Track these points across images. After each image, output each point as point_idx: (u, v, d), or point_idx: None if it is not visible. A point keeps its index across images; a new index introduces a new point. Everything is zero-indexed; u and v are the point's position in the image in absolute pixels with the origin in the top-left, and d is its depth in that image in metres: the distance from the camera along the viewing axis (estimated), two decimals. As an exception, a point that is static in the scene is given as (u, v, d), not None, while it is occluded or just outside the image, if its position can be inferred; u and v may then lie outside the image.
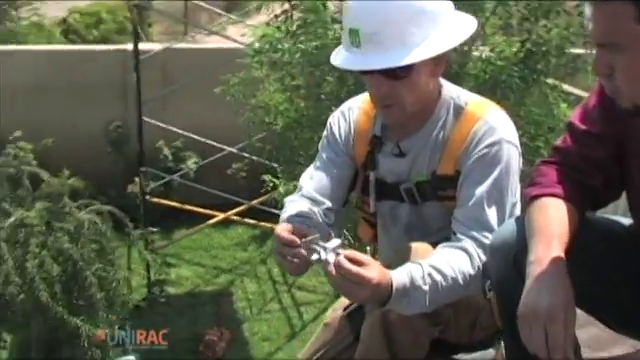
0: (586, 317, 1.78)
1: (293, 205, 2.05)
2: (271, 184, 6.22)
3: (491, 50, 4.17)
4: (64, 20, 9.78)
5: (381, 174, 2.09)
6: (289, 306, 6.39)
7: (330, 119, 2.19)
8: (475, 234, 1.90)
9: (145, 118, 7.06)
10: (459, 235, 1.91)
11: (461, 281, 1.84)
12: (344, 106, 2.18)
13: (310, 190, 2.09)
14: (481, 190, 1.92)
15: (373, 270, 1.73)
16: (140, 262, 6.28)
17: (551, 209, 1.64)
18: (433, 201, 2.04)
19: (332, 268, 1.69)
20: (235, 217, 7.40)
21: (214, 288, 6.79)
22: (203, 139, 7.25)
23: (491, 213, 1.93)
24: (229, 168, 7.43)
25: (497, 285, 1.77)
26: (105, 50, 8.00)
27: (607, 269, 1.65)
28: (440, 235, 1.97)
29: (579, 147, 1.70)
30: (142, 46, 7.50)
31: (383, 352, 1.98)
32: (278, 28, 4.41)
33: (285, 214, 2.02)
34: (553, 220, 1.61)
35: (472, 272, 1.85)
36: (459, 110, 2.00)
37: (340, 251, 1.72)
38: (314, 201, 2.07)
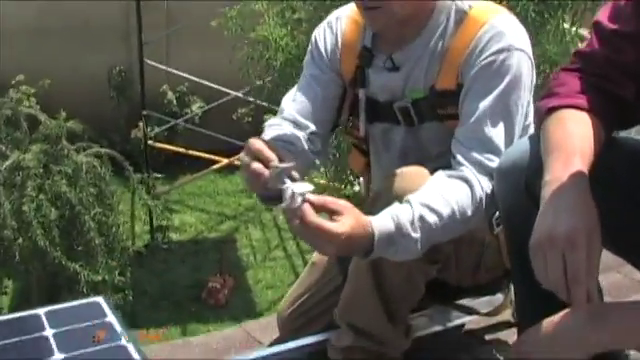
0: (606, 260, 1.61)
1: (273, 129, 1.84)
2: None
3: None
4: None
5: (372, 92, 1.88)
6: (294, 253, 6.26)
7: (315, 31, 1.98)
8: (477, 156, 1.67)
9: (148, 61, 6.89)
10: (458, 158, 1.69)
11: (460, 218, 1.61)
12: (331, 16, 1.96)
13: (292, 112, 1.88)
14: (485, 104, 1.70)
15: (345, 222, 1.48)
16: (142, 208, 6.15)
17: (571, 122, 1.39)
18: (432, 121, 1.82)
19: (294, 216, 1.44)
20: (239, 162, 7.24)
21: (218, 235, 6.66)
22: (208, 83, 7.07)
23: (497, 131, 1.69)
24: (235, 113, 7.27)
25: (506, 215, 1.58)
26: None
27: (636, 196, 1.40)
28: (440, 162, 1.75)
29: (607, 50, 1.44)
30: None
31: (372, 293, 1.78)
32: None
33: (267, 134, 1.82)
34: (574, 134, 1.36)
35: (473, 206, 1.62)
36: (461, 15, 1.77)
37: (308, 197, 1.45)
38: (297, 124, 1.87)
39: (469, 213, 1.63)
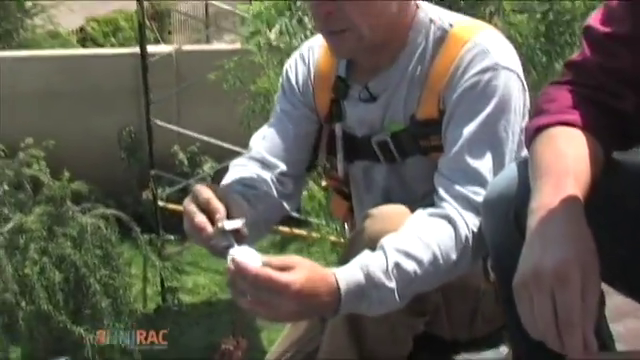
0: (621, 306, 1.42)
1: (237, 170, 1.64)
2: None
3: (509, 25, 3.82)
4: (81, 29, 9.64)
5: (349, 126, 1.69)
6: (308, 314, 6.06)
7: (286, 63, 1.83)
8: (461, 190, 1.48)
9: (158, 121, 6.84)
10: (440, 193, 1.49)
11: (443, 263, 1.41)
12: (303, 46, 1.78)
13: (261, 151, 1.68)
14: (469, 131, 1.50)
15: (297, 272, 1.27)
16: (153, 270, 6.03)
17: (563, 141, 1.19)
18: (415, 155, 1.61)
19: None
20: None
21: (231, 296, 6.49)
22: (219, 142, 6.99)
23: (483, 161, 1.50)
24: (246, 172, 7.14)
25: (495, 254, 1.38)
26: (117, 54, 7.85)
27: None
28: (427, 202, 1.52)
29: (600, 56, 1.25)
30: (154, 49, 7.33)
31: (350, 351, 1.54)
32: (275, 5, 4.11)
33: (225, 180, 1.61)
34: (566, 155, 1.17)
35: (457, 248, 1.43)
36: (442, 34, 1.58)
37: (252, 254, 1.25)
38: (265, 164, 1.66)
39: (454, 257, 1.43)
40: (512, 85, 1.53)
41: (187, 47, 7.39)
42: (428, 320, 1.61)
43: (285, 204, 1.70)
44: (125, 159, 7.55)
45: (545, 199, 1.12)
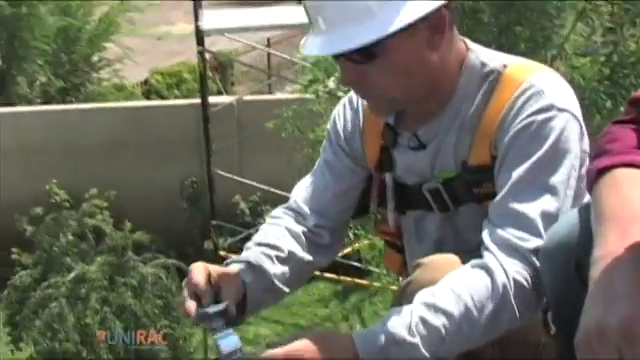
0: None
1: (269, 228, 1.68)
2: (352, 236, 5.85)
3: (572, 69, 3.73)
4: (146, 81, 9.82)
5: (399, 175, 1.66)
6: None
7: (335, 110, 1.79)
8: (504, 235, 1.39)
9: (219, 171, 6.87)
10: (484, 239, 1.42)
11: (477, 315, 1.34)
12: (353, 93, 1.71)
13: (299, 201, 1.71)
14: (519, 173, 1.43)
15: (303, 341, 1.35)
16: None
17: (628, 184, 1.13)
18: (468, 203, 1.57)
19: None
20: (316, 272, 7.05)
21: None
22: (280, 192, 6.98)
23: (533, 205, 1.41)
24: (308, 222, 7.11)
25: (555, 305, 1.31)
26: (180, 105, 7.95)
27: None
28: (480, 253, 1.46)
29: None
30: (216, 99, 7.41)
31: None
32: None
33: (255, 237, 1.66)
34: (632, 199, 1.10)
35: (494, 298, 1.35)
36: (495, 76, 1.52)
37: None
38: (300, 216, 1.69)
39: (490, 307, 1.35)
40: (569, 128, 1.46)
41: (248, 97, 7.44)
42: None
43: (318, 257, 1.67)
44: (187, 209, 7.58)
45: (610, 246, 1.05)
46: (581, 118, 1.51)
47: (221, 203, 7.07)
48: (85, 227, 5.16)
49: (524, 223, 1.41)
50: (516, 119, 1.46)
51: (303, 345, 1.36)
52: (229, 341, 1.42)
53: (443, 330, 1.34)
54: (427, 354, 1.33)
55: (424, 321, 1.34)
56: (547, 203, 1.43)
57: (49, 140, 7.53)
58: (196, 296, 1.49)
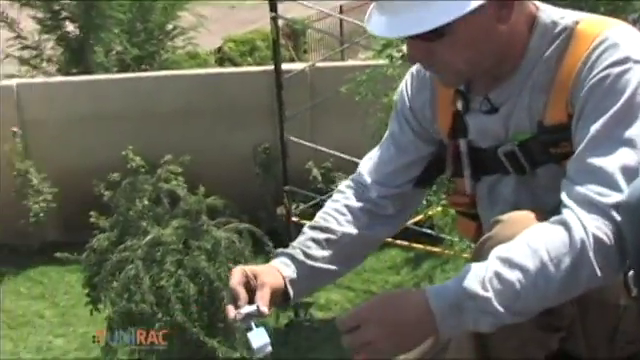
0: None
1: (328, 208, 1.79)
2: (425, 202, 5.81)
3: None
4: (219, 49, 9.88)
5: (473, 139, 1.65)
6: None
7: (403, 80, 1.78)
8: (582, 191, 1.36)
9: (292, 138, 6.89)
10: (562, 197, 1.39)
11: (554, 270, 1.30)
12: None
13: (364, 174, 1.78)
14: (596, 128, 1.39)
15: (372, 300, 1.40)
16: (284, 285, 6.03)
17: None
18: (546, 164, 1.54)
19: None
20: (388, 239, 7.05)
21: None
22: (353, 158, 6.97)
23: (611, 159, 1.36)
24: (380, 188, 7.09)
25: (637, 266, 1.30)
26: (253, 72, 7.98)
27: None
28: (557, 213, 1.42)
29: None
30: (289, 66, 7.42)
31: None
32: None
33: (315, 219, 1.77)
34: None
35: (572, 253, 1.31)
36: (567, 33, 1.48)
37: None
38: (364, 188, 1.76)
39: (567, 263, 1.32)
40: None
41: (321, 64, 7.42)
42: (563, 337, 1.51)
43: (382, 228, 1.71)
44: (260, 175, 7.64)
45: None
46: None
47: (294, 169, 7.10)
48: (160, 192, 5.24)
49: (603, 178, 1.37)
50: (591, 73, 1.43)
51: (373, 305, 1.38)
52: (259, 338, 1.56)
53: (518, 285, 1.31)
54: (501, 309, 1.31)
55: (498, 275, 1.32)
56: (626, 157, 1.38)
57: (125, 107, 7.66)
58: (234, 299, 1.61)
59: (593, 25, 1.49)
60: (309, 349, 5.88)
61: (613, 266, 1.36)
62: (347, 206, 1.75)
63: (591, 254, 1.32)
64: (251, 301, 1.60)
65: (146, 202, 5.23)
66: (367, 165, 1.79)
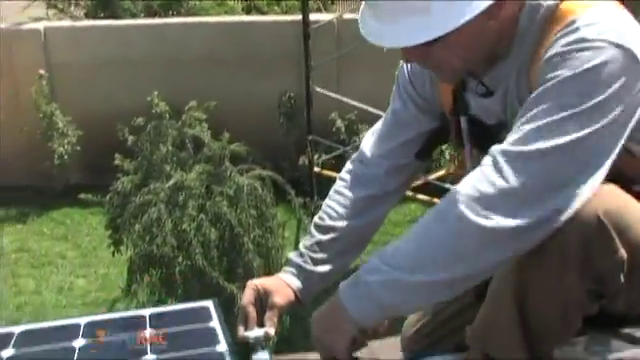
0: None
1: (329, 203, 1.84)
2: (447, 158, 5.82)
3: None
4: (247, -4, 9.80)
5: (476, 114, 1.65)
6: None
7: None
8: (499, 147, 1.41)
9: (317, 88, 6.87)
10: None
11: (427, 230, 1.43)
12: None
13: (366, 151, 1.82)
14: (533, 97, 1.41)
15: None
16: (305, 234, 6.06)
17: None
18: None
19: None
20: (408, 192, 7.05)
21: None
22: (377, 111, 6.94)
23: (533, 127, 1.38)
24: (403, 141, 7.07)
25: None
26: (280, 21, 7.93)
27: None
28: None
29: None
30: (316, 16, 7.37)
31: (513, 323, 1.50)
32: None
33: (322, 209, 1.86)
34: None
35: (442, 207, 1.42)
36: (548, 14, 1.46)
37: None
38: (367, 166, 1.82)
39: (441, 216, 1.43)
40: (612, 59, 1.36)
41: (348, 15, 7.35)
42: (604, 302, 1.51)
43: (385, 203, 1.77)
44: (284, 124, 7.64)
45: None
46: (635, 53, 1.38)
47: (317, 120, 7.09)
48: (185, 137, 5.25)
49: (520, 137, 1.43)
50: (547, 54, 1.41)
51: (313, 324, 1.57)
52: None
53: (403, 246, 1.46)
54: (386, 267, 1.43)
55: (396, 248, 1.45)
56: (552, 130, 1.39)
57: (151, 53, 7.66)
58: (245, 318, 1.70)
59: (573, 5, 1.45)
60: (326, 298, 5.91)
61: (500, 211, 1.37)
62: (350, 197, 1.81)
63: (461, 206, 1.36)
64: (260, 318, 1.70)
65: (170, 147, 5.25)
66: (370, 142, 1.84)
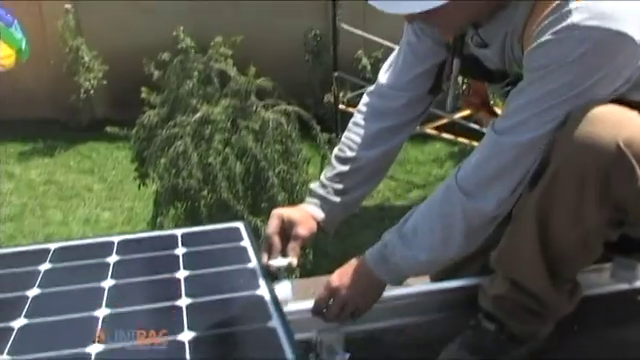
0: None
1: (353, 129, 1.87)
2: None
3: None
4: None
5: (480, 58, 1.67)
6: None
7: None
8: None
9: (344, 25, 6.83)
10: None
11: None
12: None
13: (383, 84, 1.85)
14: (524, 83, 1.47)
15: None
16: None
17: None
18: None
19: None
20: (432, 131, 7.05)
21: (404, 203, 6.49)
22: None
23: (523, 106, 1.46)
24: (429, 80, 7.04)
25: None
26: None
27: None
28: None
29: None
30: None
31: (535, 248, 1.53)
32: None
33: (342, 141, 1.87)
34: None
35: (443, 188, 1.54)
36: None
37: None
38: (383, 98, 1.84)
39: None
40: (604, 41, 1.37)
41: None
42: (624, 230, 1.53)
43: (402, 133, 1.85)
44: (309, 61, 7.62)
45: None
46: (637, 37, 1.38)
47: (343, 58, 7.06)
48: (211, 71, 5.25)
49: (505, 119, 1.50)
50: (538, 37, 1.42)
51: (335, 279, 1.60)
52: (283, 290, 1.64)
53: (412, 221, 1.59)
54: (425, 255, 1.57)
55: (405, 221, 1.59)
56: (543, 114, 1.45)
57: (178, -13, 7.63)
58: (269, 248, 1.71)
59: None
60: (348, 235, 5.97)
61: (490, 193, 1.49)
62: (369, 129, 1.84)
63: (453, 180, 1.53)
64: (284, 247, 1.72)
65: (196, 81, 5.26)
66: (388, 75, 1.86)
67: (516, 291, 1.59)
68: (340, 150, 1.85)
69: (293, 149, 5.13)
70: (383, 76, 1.87)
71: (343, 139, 1.87)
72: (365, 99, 1.90)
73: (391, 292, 1.68)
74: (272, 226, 1.72)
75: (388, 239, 1.58)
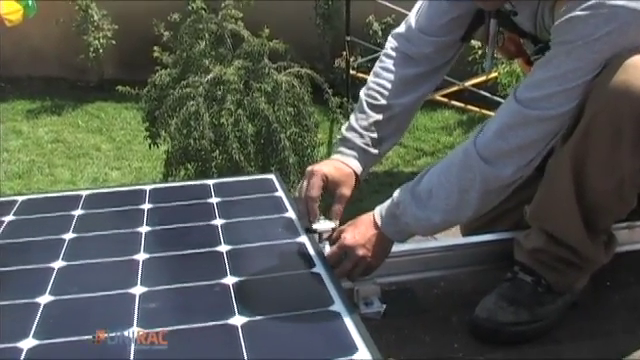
0: None
1: (382, 74, 1.81)
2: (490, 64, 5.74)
3: None
4: None
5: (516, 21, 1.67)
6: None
7: None
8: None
9: (356, -10, 6.79)
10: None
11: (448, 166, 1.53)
12: None
13: (413, 26, 1.79)
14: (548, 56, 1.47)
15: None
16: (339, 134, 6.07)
17: None
18: None
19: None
20: (442, 99, 7.03)
21: (413, 169, 6.49)
22: (415, 15, 6.85)
23: (550, 80, 1.45)
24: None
25: None
26: None
27: None
28: None
29: None
30: None
31: (570, 199, 1.53)
32: None
33: (373, 86, 1.81)
34: None
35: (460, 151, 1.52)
36: None
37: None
38: (413, 43, 1.79)
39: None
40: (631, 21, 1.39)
41: None
42: None
43: (430, 81, 1.81)
44: (320, 25, 7.57)
45: None
46: None
47: (354, 23, 7.02)
48: (224, 32, 5.22)
49: (530, 83, 1.50)
50: (567, 12, 1.43)
51: (346, 235, 1.57)
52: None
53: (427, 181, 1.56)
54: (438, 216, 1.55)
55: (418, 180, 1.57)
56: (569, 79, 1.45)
57: (187, -52, 7.54)
58: (309, 213, 1.65)
59: None
60: (357, 199, 5.96)
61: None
62: (401, 75, 1.80)
63: (470, 144, 1.51)
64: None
65: (208, 42, 5.22)
66: (418, 19, 1.80)
67: (552, 243, 1.59)
68: (371, 97, 1.80)
69: (305, 112, 5.10)
70: (414, 19, 1.81)
71: (372, 85, 1.82)
72: (393, 42, 1.85)
73: (426, 244, 1.68)
74: (316, 187, 1.66)
75: (400, 199, 1.56)
